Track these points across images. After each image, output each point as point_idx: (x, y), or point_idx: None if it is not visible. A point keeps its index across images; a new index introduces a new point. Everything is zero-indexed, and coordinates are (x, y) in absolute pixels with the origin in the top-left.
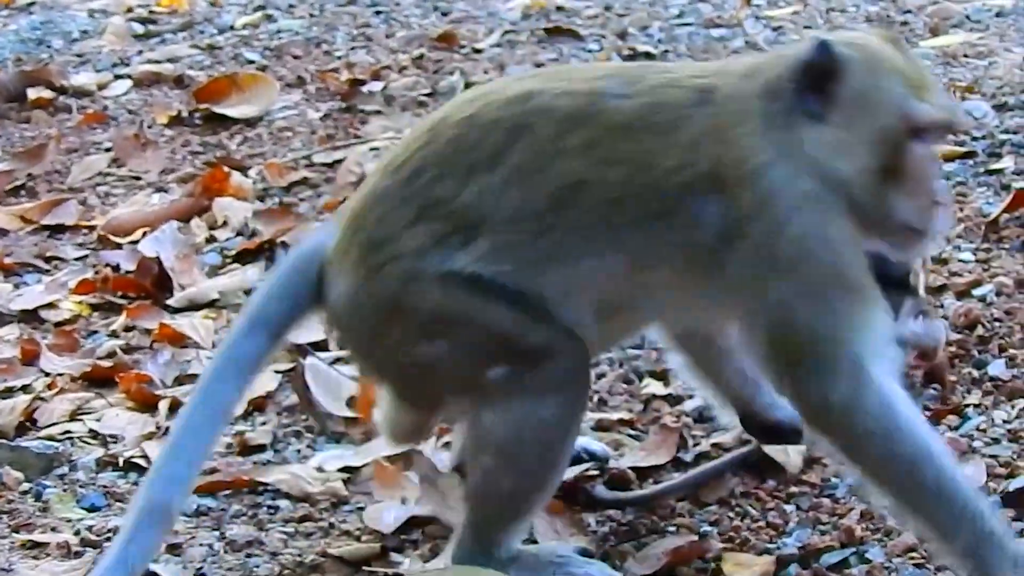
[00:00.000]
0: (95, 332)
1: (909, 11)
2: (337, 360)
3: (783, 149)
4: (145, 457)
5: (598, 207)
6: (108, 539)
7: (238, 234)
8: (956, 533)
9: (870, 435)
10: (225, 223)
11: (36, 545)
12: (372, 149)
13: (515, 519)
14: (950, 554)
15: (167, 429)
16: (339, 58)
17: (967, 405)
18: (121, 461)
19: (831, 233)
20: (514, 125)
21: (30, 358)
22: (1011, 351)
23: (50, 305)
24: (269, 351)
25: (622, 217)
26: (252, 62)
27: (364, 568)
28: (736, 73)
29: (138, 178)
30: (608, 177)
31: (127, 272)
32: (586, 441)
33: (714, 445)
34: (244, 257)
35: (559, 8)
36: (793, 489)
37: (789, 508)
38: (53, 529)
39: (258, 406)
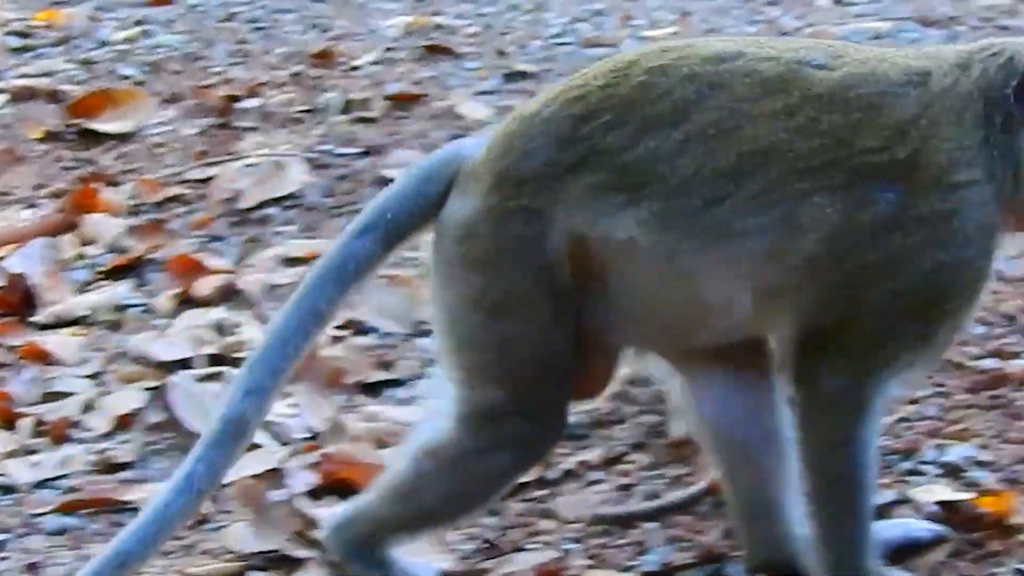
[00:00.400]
0: None
1: (786, 33)
2: (204, 378)
3: (993, 166)
4: (4, 475)
5: (782, 178)
6: None
7: (109, 250)
8: (840, 556)
9: (838, 445)
10: (96, 239)
11: None
12: (247, 166)
13: (420, 531)
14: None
15: (29, 448)
16: (217, 74)
17: None
18: None
19: (979, 280)
20: (709, 83)
21: None
22: None
23: None
24: (379, 256)
25: (801, 189)
26: (128, 77)
27: None
28: (949, 61)
29: (8, 193)
30: (800, 147)
31: None
32: None
33: (580, 463)
34: (115, 274)
35: (439, 26)
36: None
37: (651, 526)
38: None
39: (123, 424)
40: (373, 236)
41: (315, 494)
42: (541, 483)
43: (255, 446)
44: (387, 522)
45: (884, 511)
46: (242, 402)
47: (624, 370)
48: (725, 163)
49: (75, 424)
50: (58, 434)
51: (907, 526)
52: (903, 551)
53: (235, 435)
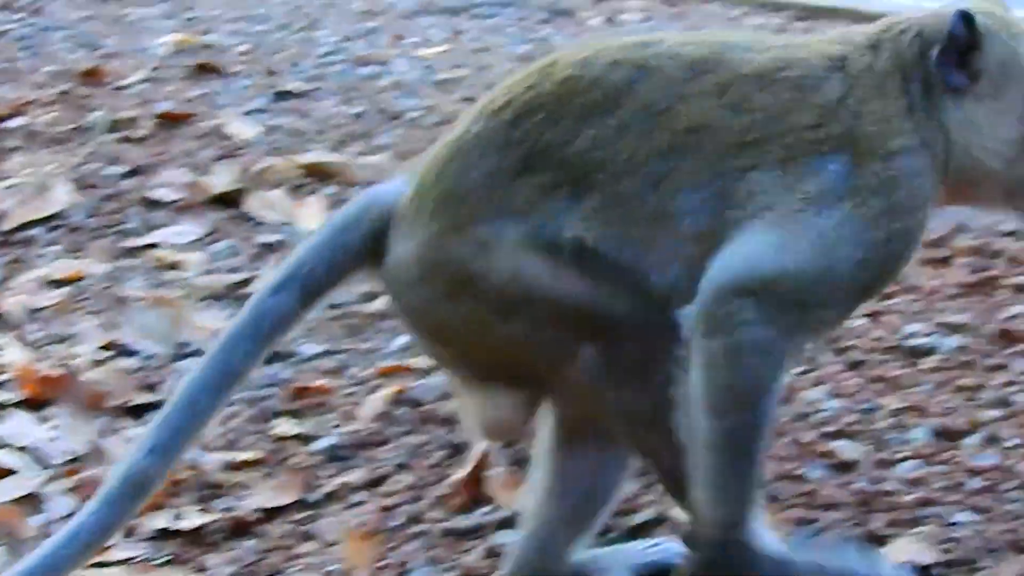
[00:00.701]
0: None
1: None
2: None
3: (927, 132)
4: None
5: (718, 153)
6: None
7: None
8: (721, 505)
9: (750, 393)
10: None
11: None
12: (9, 187)
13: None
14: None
15: None
16: None
17: None
18: None
19: (914, 250)
20: (637, 66)
21: None
22: None
23: None
24: (297, 313)
25: (740, 164)
26: None
27: None
28: (860, 45)
29: None
30: (735, 123)
31: None
32: None
33: (343, 484)
34: None
35: (208, 45)
36: (417, 529)
37: (412, 547)
38: None
39: None
40: (289, 292)
41: None
42: (302, 505)
43: (9, 472)
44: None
45: (642, 530)
46: (143, 460)
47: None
48: (661, 144)
49: None
50: None
51: (667, 548)
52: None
53: (132, 494)
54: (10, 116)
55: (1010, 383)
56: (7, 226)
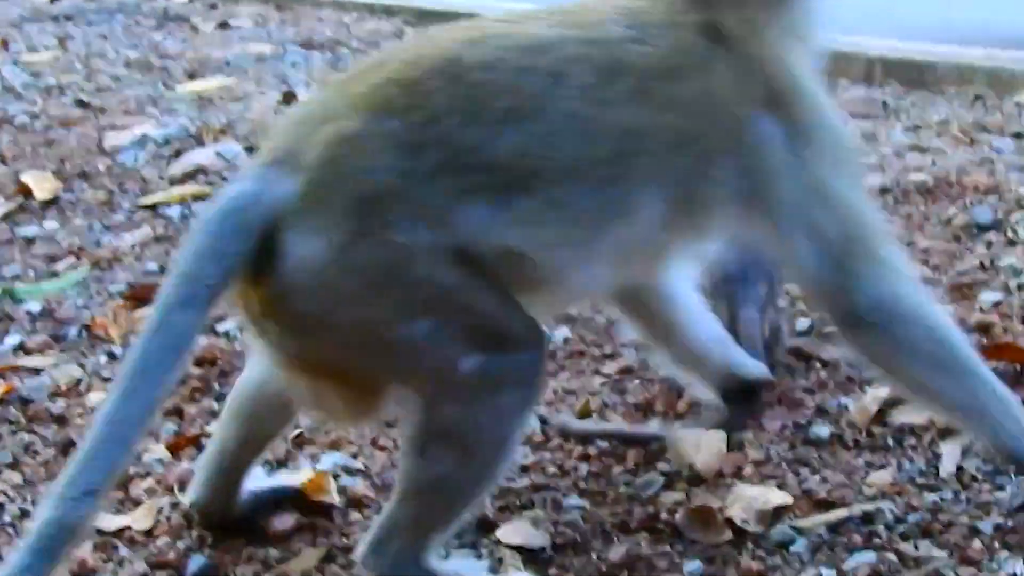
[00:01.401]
0: None
1: (170, 57)
2: None
3: (804, 49)
4: None
5: (663, 151)
6: None
7: None
8: (1004, 423)
9: (926, 330)
10: None
11: None
12: None
13: (454, 519)
14: (998, 445)
15: None
16: None
17: None
18: None
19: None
20: (550, 72)
21: None
22: None
23: None
24: (200, 325)
25: (688, 156)
26: None
27: None
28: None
29: None
30: (668, 122)
31: None
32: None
33: None
34: None
35: None
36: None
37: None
38: None
39: None
40: (196, 307)
41: None
42: None
43: None
44: (428, 521)
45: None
46: (72, 503)
47: None
48: (606, 147)
49: None
50: None
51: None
52: None
53: (64, 539)
54: None
55: (626, 371)
56: None
